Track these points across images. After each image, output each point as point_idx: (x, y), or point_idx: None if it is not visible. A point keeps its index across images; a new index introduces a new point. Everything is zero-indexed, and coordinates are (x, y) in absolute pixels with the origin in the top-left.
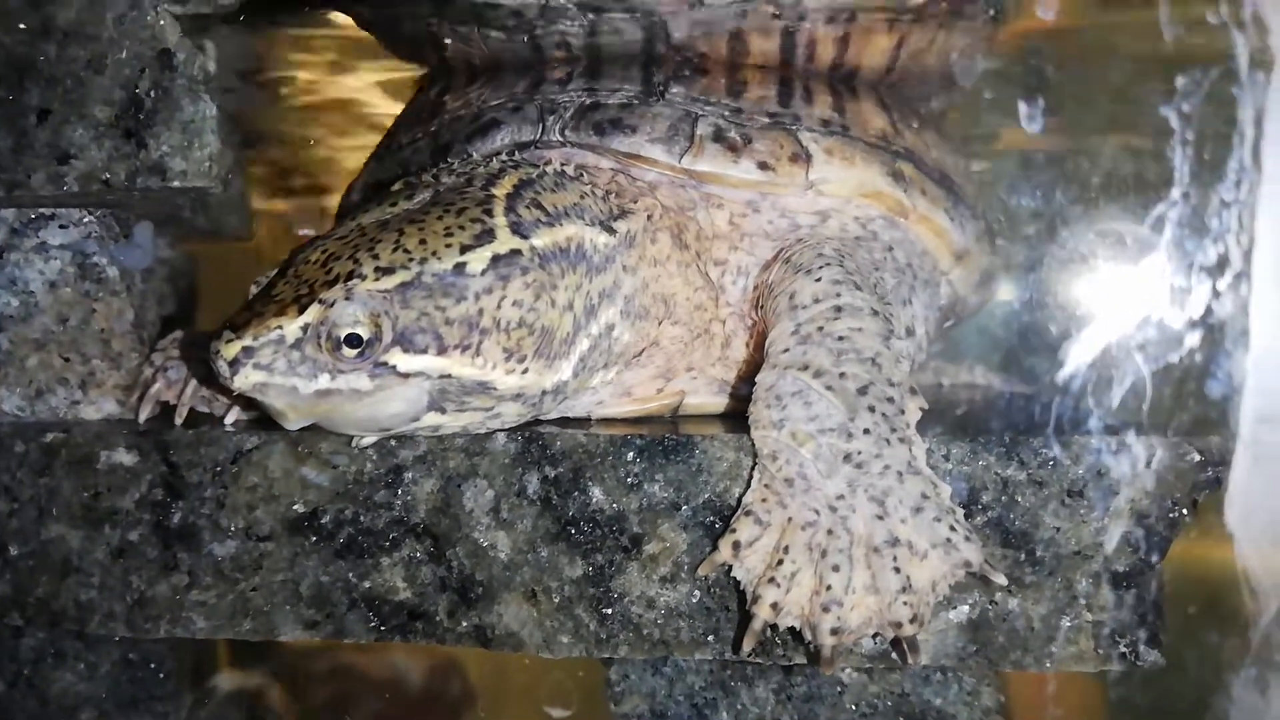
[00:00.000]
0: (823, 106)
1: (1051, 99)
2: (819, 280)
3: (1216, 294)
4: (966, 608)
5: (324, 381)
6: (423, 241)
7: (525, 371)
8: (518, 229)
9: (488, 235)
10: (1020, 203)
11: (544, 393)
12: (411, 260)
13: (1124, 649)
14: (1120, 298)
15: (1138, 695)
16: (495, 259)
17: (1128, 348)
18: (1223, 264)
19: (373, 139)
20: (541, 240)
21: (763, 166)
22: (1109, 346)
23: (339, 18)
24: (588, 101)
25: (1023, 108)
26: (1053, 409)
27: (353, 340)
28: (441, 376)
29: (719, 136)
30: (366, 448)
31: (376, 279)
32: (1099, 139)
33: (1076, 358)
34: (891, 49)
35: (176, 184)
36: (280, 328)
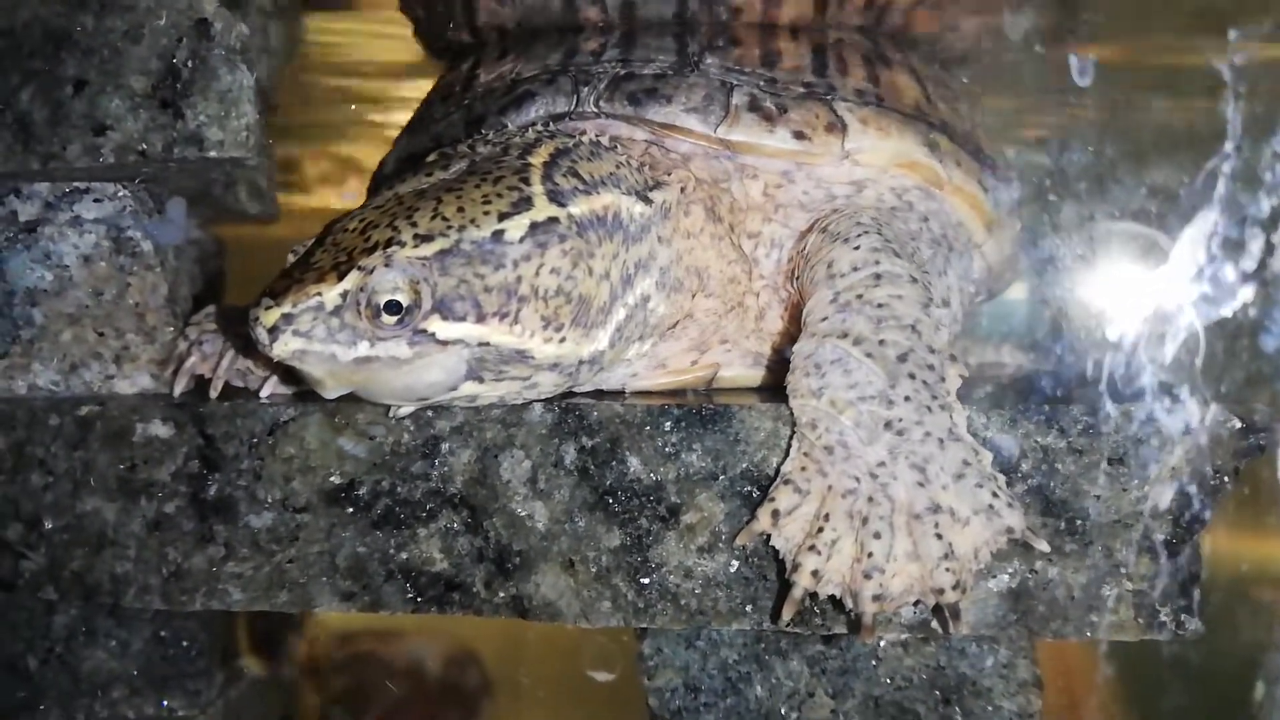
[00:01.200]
0: (857, 77)
1: (1102, 52)
2: (857, 248)
3: (1271, 248)
4: (1006, 576)
5: (363, 349)
6: (461, 209)
7: (563, 340)
8: (555, 197)
9: (525, 203)
10: (1070, 159)
11: (581, 362)
12: (450, 228)
13: (1165, 618)
14: (1171, 256)
15: (1191, 653)
16: (533, 226)
17: (1180, 304)
18: (1277, 217)
19: (404, 116)
20: (579, 208)
21: (798, 136)
22: (1160, 305)
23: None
24: (622, 72)
25: (1074, 61)
26: (1103, 368)
27: (392, 307)
28: (480, 344)
29: (754, 106)
30: (403, 418)
31: (416, 246)
32: (1149, 93)
33: (1126, 316)
34: None
35: (213, 154)
36: (320, 294)
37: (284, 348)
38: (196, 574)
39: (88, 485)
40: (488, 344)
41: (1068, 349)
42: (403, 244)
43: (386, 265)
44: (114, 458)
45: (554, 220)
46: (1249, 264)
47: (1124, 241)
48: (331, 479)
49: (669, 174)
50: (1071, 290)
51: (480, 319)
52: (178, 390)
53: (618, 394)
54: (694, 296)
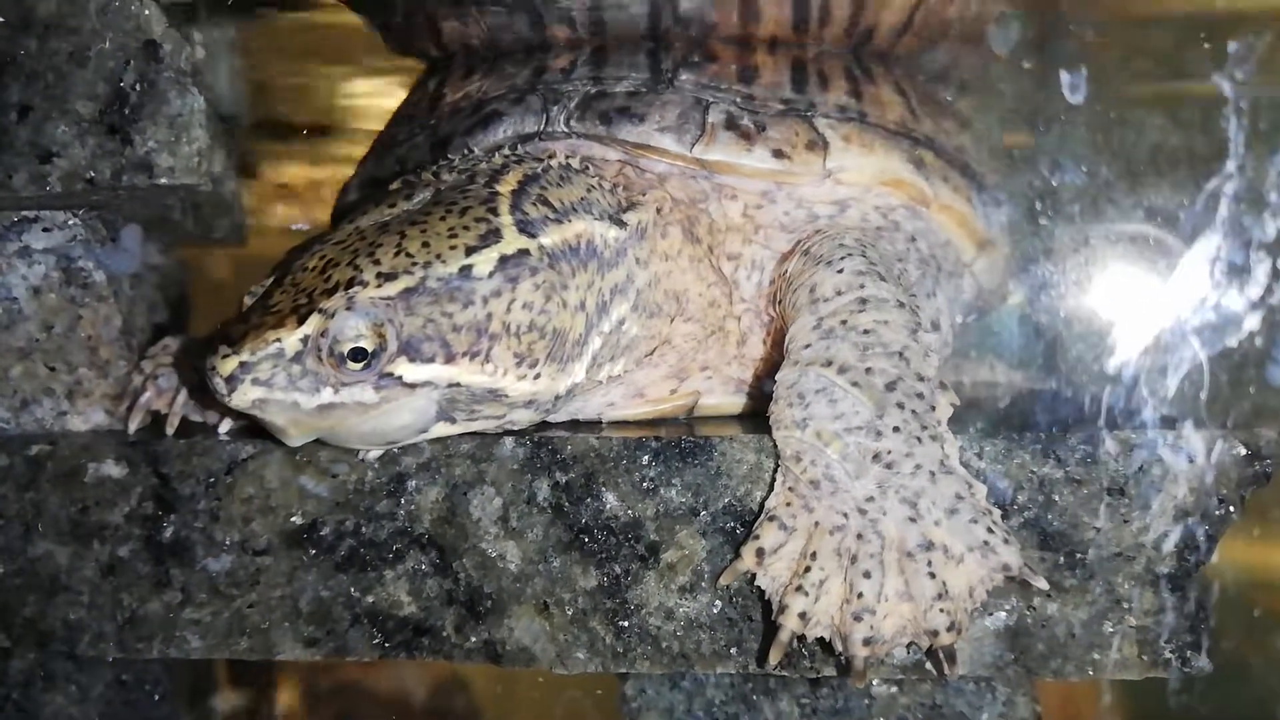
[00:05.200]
0: (838, 92)
1: (1093, 66)
2: (841, 271)
3: (1278, 273)
4: (1004, 614)
5: (327, 395)
6: (425, 244)
7: (538, 377)
8: (525, 227)
9: (494, 235)
10: (1064, 179)
11: (557, 397)
12: (415, 264)
13: (1170, 655)
14: (1173, 281)
15: (1199, 702)
16: (503, 260)
17: (1182, 333)
18: None
19: (371, 133)
20: (550, 238)
21: (778, 155)
22: (1162, 332)
23: (331, 3)
24: (593, 90)
25: (1065, 77)
26: (1102, 401)
27: (356, 353)
28: (450, 385)
29: (732, 124)
30: (372, 460)
31: (379, 285)
32: (1145, 109)
33: (1127, 346)
34: (910, 5)
35: (164, 181)
36: (279, 340)
37: (243, 397)
38: (153, 620)
39: (38, 528)
40: (458, 385)
41: (1065, 368)
42: (365, 283)
43: (348, 308)
44: (66, 499)
45: (524, 252)
46: (1255, 291)
47: (1128, 245)
48: (293, 519)
49: (644, 194)
50: (1067, 308)
51: (449, 359)
52: (132, 427)
53: (594, 424)
54: (672, 321)
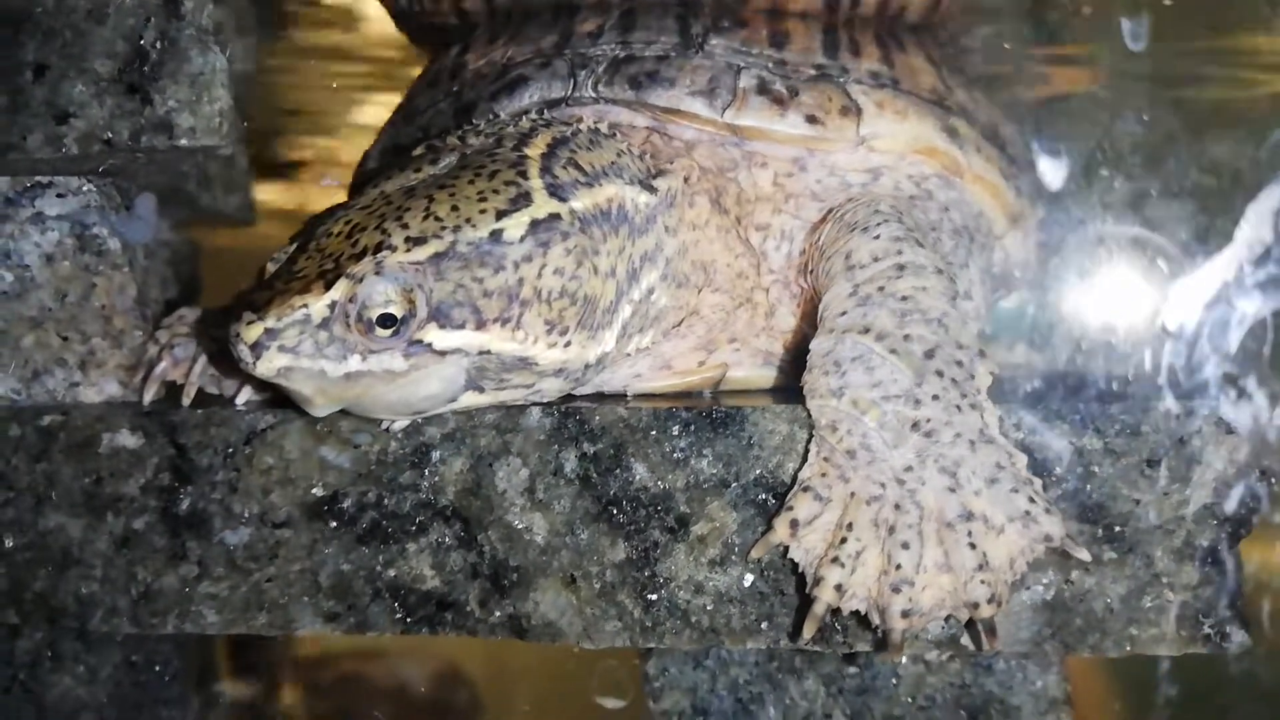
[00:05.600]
0: (870, 59)
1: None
2: (877, 238)
3: None
4: (1041, 588)
5: (354, 363)
6: (455, 208)
7: (568, 344)
8: (555, 191)
9: (524, 199)
10: (1124, 130)
11: (587, 366)
12: (444, 228)
13: (1209, 630)
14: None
15: (1261, 670)
16: (534, 224)
17: (1246, 289)
18: None
19: (390, 104)
20: (581, 202)
21: (811, 120)
22: (1226, 286)
23: None
24: (621, 55)
25: (1125, 24)
26: (1163, 358)
27: (385, 319)
28: (480, 353)
29: (764, 89)
30: (397, 431)
31: (408, 250)
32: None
33: (1185, 303)
34: None
35: (184, 142)
36: (306, 306)
37: (268, 365)
38: (168, 595)
39: (50, 500)
40: (488, 352)
41: (1099, 348)
42: (394, 248)
43: (377, 273)
44: (79, 470)
45: (555, 216)
46: None
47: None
48: (313, 491)
49: (672, 162)
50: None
51: (480, 326)
52: (147, 398)
53: (620, 397)
54: (700, 291)
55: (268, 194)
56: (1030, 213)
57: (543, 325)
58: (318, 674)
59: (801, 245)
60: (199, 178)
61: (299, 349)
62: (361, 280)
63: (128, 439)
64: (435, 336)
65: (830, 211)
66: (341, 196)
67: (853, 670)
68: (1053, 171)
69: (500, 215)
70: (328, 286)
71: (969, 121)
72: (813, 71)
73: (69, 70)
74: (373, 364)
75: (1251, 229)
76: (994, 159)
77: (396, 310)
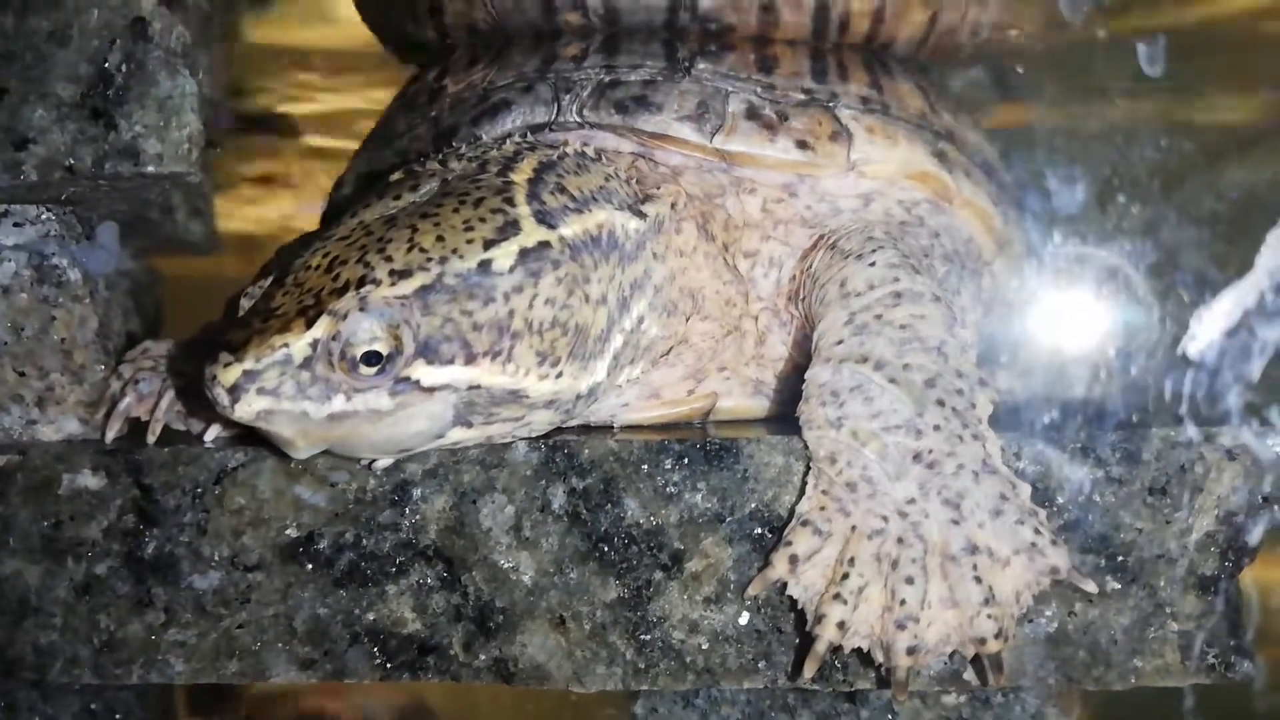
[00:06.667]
0: (859, 84)
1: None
2: (873, 264)
3: None
4: (1044, 621)
5: (339, 404)
6: (440, 238)
7: (560, 375)
8: (544, 218)
9: (512, 227)
10: (1139, 156)
11: (578, 397)
12: (430, 260)
13: (1213, 660)
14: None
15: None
16: (524, 253)
17: (1266, 314)
18: None
19: (362, 130)
20: (571, 229)
21: (801, 145)
22: (1247, 314)
23: None
24: (607, 79)
25: (1141, 49)
26: (1184, 385)
27: (370, 357)
28: (470, 388)
29: (753, 114)
30: (380, 470)
31: (393, 284)
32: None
33: (1206, 331)
34: (925, 22)
35: (151, 169)
36: (286, 346)
37: (247, 409)
38: (132, 644)
39: (7, 545)
40: (478, 387)
41: (1118, 377)
42: (378, 282)
43: (361, 308)
44: (37, 513)
45: (545, 244)
46: None
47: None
48: (287, 532)
49: (658, 188)
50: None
51: (470, 360)
52: (110, 435)
53: (607, 428)
54: (688, 319)
55: (232, 221)
56: (1017, 239)
57: (534, 357)
58: (278, 710)
59: (791, 272)
60: (163, 206)
61: (280, 391)
62: (345, 317)
63: (89, 479)
64: (423, 373)
65: (821, 238)
66: (314, 224)
67: (847, 707)
68: (1061, 197)
69: (488, 245)
70: (309, 324)
71: (958, 146)
72: (802, 96)
73: (29, 94)
74: (358, 404)
75: (1272, 255)
76: (982, 184)
77: (382, 347)
